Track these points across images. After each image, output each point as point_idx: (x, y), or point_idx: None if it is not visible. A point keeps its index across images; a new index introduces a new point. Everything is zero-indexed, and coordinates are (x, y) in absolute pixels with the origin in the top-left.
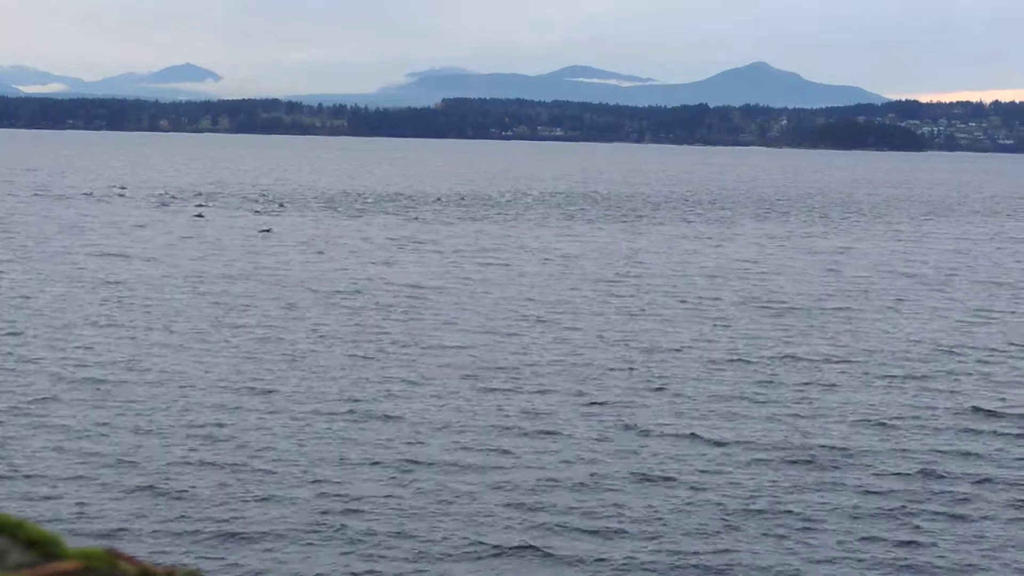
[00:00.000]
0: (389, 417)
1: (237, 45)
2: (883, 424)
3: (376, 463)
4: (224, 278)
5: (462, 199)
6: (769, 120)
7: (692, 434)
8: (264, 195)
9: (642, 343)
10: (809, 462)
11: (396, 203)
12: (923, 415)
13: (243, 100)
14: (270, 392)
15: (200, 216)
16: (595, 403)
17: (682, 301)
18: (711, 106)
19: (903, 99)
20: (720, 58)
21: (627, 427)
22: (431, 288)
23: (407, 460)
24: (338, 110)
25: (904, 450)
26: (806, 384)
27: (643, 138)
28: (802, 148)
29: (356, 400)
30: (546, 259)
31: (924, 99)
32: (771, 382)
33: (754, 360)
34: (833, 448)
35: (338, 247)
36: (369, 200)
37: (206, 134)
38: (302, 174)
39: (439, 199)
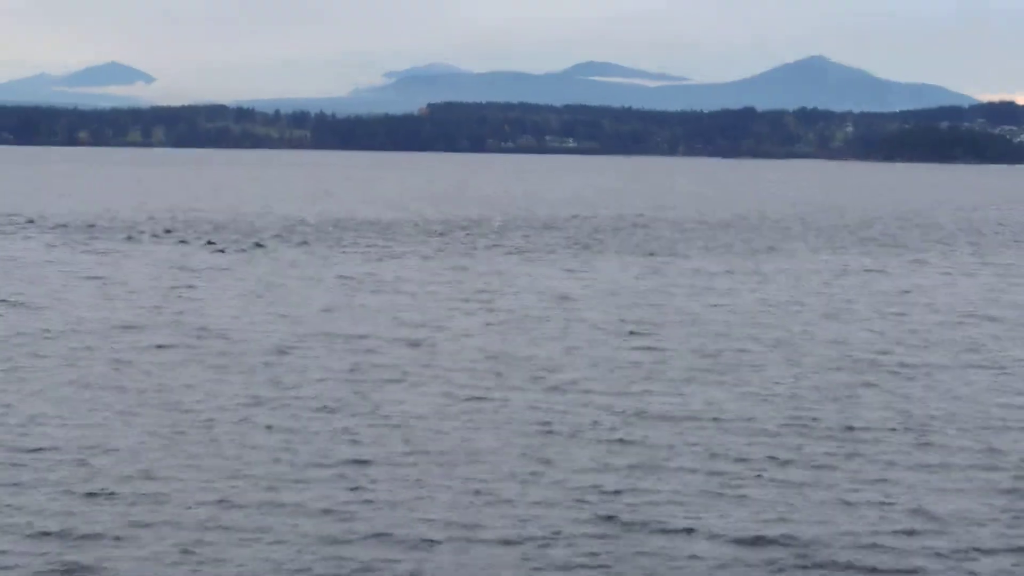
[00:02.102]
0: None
1: (174, 39)
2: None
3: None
4: (127, 329)
5: (446, 227)
6: (831, 127)
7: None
8: (190, 225)
9: (654, 410)
10: None
11: (359, 233)
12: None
13: (182, 107)
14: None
15: (112, 252)
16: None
17: (707, 356)
18: (759, 110)
19: (996, 100)
20: (770, 52)
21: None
22: (386, 341)
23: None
24: (299, 118)
25: None
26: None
27: (676, 150)
28: (872, 161)
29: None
30: (539, 303)
31: (1023, 101)
32: (831, 466)
33: (806, 429)
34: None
35: (277, 290)
36: (327, 230)
37: (136, 148)
38: (248, 197)
39: (416, 225)
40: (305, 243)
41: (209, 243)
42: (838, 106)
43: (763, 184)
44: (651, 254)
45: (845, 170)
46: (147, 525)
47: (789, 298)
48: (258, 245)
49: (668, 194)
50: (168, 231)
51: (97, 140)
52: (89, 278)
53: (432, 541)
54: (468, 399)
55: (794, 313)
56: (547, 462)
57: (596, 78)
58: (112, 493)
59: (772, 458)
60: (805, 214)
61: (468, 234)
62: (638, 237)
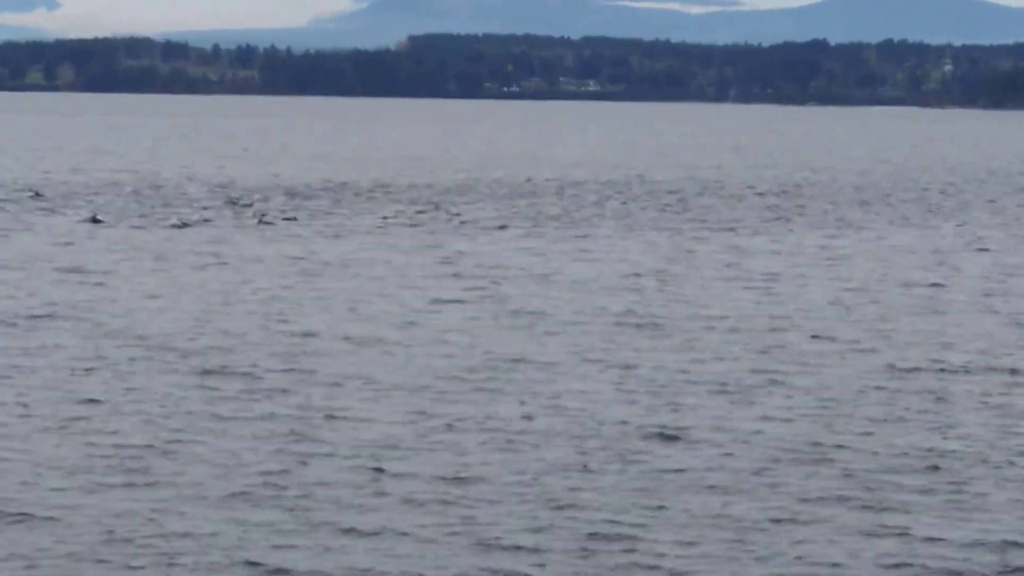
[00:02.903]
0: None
1: None
2: None
3: None
4: (9, 326)
5: (427, 194)
6: (924, 64)
7: None
8: (95, 191)
9: (687, 431)
10: None
11: (315, 201)
12: None
13: (94, 40)
14: None
15: None
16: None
17: (763, 352)
18: (832, 43)
19: None
20: None
21: None
22: (341, 340)
23: None
24: (244, 54)
25: None
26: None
27: (726, 94)
28: (977, 108)
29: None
30: (538, 291)
31: None
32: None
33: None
34: None
35: (203, 275)
36: (273, 198)
37: (37, 93)
38: (168, 156)
39: (387, 191)
40: (241, 216)
41: (96, 220)
42: (934, 37)
43: (836, 138)
44: (678, 230)
45: (943, 119)
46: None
47: (864, 286)
48: (182, 224)
49: (711, 151)
50: (70, 195)
51: None
52: None
53: None
54: (445, 417)
55: (870, 304)
56: (552, 502)
57: (623, 3)
58: None
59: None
60: (888, 177)
61: (449, 204)
62: (667, 207)
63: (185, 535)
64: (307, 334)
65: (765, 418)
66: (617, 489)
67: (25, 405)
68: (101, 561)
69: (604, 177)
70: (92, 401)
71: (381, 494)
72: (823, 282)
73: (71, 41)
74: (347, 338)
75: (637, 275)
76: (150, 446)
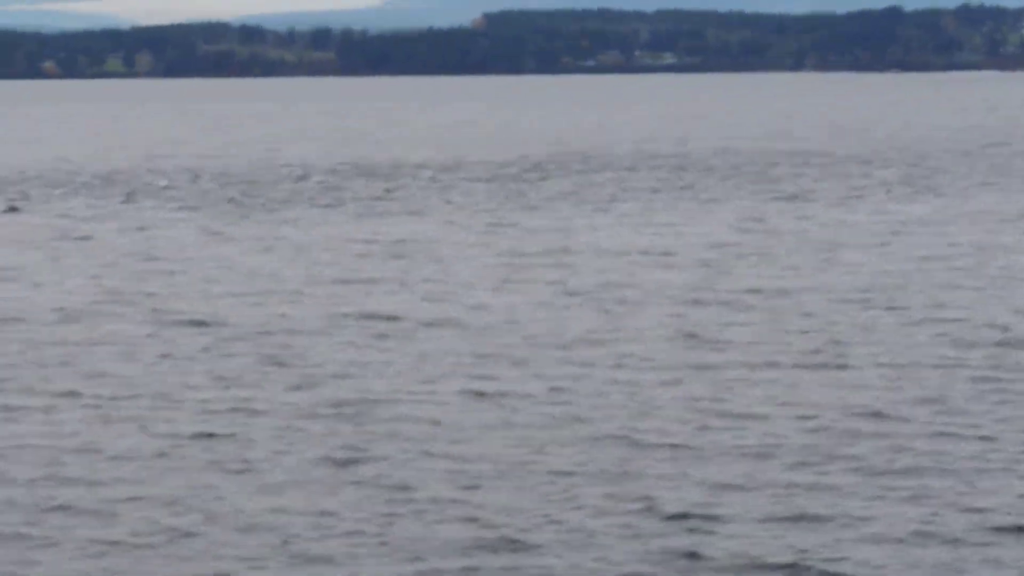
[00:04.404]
0: None
1: None
2: None
3: None
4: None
5: (500, 170)
6: (1002, 27)
7: None
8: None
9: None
10: None
11: (389, 180)
12: None
13: (171, 26)
14: None
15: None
16: None
17: (836, 342)
18: (907, 9)
19: None
20: None
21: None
22: (409, 320)
23: None
24: (320, 36)
25: None
26: None
27: (803, 63)
28: None
29: None
30: (614, 266)
31: None
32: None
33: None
34: None
35: (265, 258)
36: (350, 178)
37: (117, 80)
38: (245, 138)
39: (457, 169)
40: (312, 198)
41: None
42: (1011, 1)
43: (911, 104)
44: (757, 198)
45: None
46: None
47: (939, 255)
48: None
49: (789, 120)
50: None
51: (67, 70)
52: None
53: None
54: (502, 395)
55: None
56: (609, 477)
57: None
58: None
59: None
60: (964, 141)
61: (524, 180)
62: (747, 176)
63: (257, 522)
64: (376, 316)
65: (841, 387)
66: (676, 464)
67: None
68: (174, 550)
69: (677, 149)
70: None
71: (451, 473)
72: (889, 251)
73: (148, 28)
74: (419, 319)
75: (716, 247)
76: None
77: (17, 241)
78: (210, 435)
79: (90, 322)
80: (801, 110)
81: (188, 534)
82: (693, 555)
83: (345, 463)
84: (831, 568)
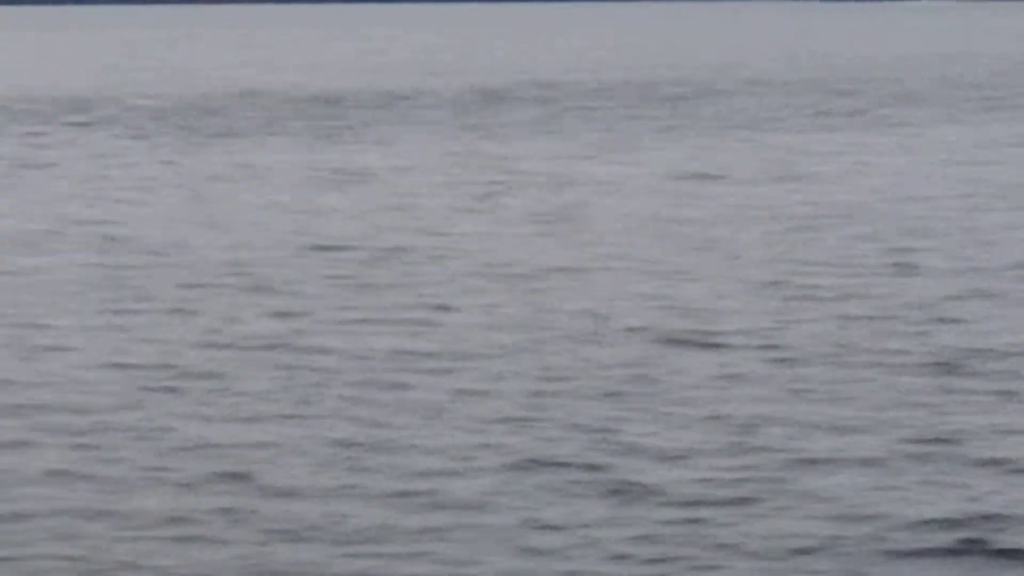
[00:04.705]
0: None
1: None
2: None
3: None
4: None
5: (458, 98)
6: None
7: None
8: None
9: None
10: None
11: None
12: None
13: None
14: None
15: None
16: None
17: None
18: None
19: None
20: None
21: None
22: (358, 250)
23: None
24: None
25: None
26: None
27: None
28: None
29: None
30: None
31: None
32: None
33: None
34: None
35: (192, 188)
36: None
37: (39, 6)
38: (209, 65)
39: (414, 96)
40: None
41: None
42: None
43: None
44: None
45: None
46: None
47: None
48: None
49: (738, 47)
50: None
51: None
52: None
53: None
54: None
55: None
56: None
57: None
58: None
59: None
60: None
61: (483, 110)
62: (705, 105)
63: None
64: (333, 245)
65: (804, 322)
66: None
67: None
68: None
69: (617, 77)
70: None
71: (403, 407)
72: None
73: None
74: (370, 248)
75: (675, 179)
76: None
77: None
78: (173, 367)
79: (44, 249)
80: (746, 36)
81: (156, 467)
82: (644, 488)
83: (302, 399)
84: (781, 502)
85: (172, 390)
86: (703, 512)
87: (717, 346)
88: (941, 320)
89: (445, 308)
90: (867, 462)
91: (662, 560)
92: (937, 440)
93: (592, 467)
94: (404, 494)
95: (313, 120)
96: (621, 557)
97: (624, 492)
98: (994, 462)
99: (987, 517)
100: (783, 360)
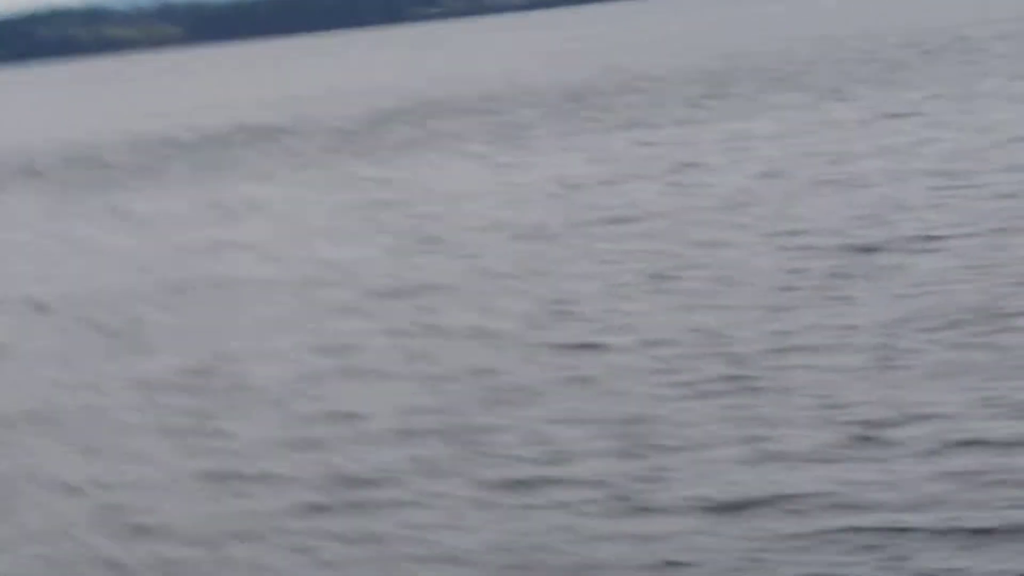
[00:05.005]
0: None
1: None
2: None
3: None
4: None
5: (344, 125)
6: None
7: None
8: None
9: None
10: None
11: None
12: None
13: (16, 18)
14: None
15: None
16: None
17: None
18: None
19: None
20: None
21: None
22: (244, 283)
23: None
24: (164, 11)
25: None
26: None
27: None
28: None
29: None
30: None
31: None
32: None
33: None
34: None
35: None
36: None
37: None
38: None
39: (297, 129)
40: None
41: None
42: None
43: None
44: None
45: None
46: None
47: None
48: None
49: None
50: None
51: None
52: None
53: None
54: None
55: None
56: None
57: None
58: None
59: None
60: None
61: (369, 133)
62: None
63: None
64: (218, 280)
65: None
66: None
67: None
68: None
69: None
70: None
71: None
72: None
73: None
74: (255, 280)
75: (556, 181)
76: None
77: None
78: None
79: None
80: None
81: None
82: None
83: (189, 430)
84: (664, 493)
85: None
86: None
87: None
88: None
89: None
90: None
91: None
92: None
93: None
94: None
95: (192, 160)
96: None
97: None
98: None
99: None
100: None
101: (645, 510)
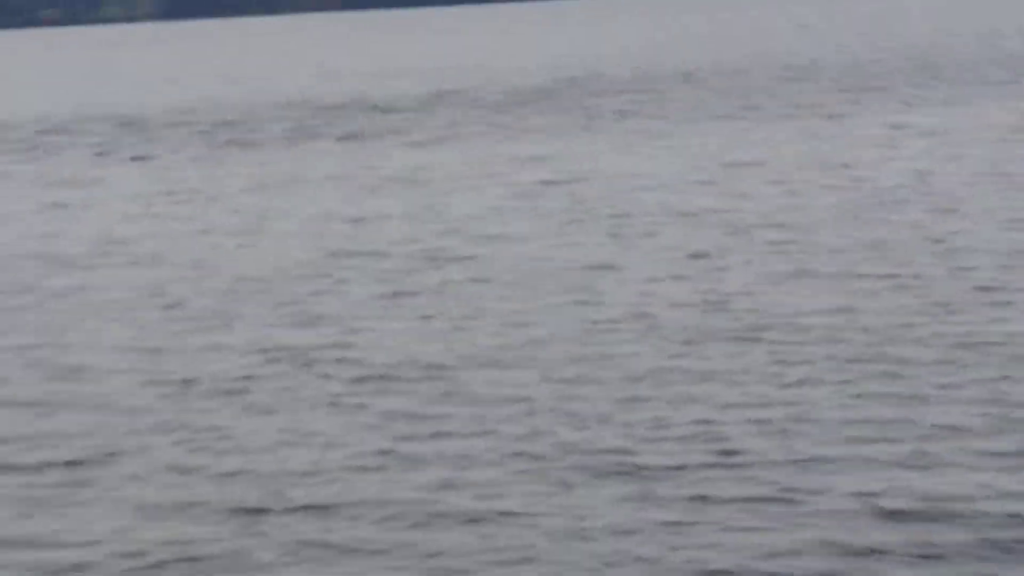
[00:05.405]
0: None
1: None
2: None
3: None
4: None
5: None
6: None
7: None
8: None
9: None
10: None
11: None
12: None
13: None
14: None
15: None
16: None
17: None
18: None
19: None
20: None
21: None
22: (409, 255)
23: None
24: None
25: None
26: None
27: None
28: None
29: None
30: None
31: None
32: None
33: None
34: None
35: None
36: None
37: (117, 25)
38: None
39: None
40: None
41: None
42: None
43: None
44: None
45: None
46: None
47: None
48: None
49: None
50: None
51: (67, 17)
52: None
53: None
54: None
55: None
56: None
57: None
58: None
59: None
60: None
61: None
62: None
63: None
64: (379, 252)
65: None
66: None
67: None
68: None
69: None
70: None
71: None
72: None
73: None
74: (420, 253)
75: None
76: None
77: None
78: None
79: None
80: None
81: (222, 473)
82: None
83: (346, 409)
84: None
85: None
86: None
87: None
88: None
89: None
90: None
91: None
92: None
93: None
94: None
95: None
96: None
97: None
98: None
99: None
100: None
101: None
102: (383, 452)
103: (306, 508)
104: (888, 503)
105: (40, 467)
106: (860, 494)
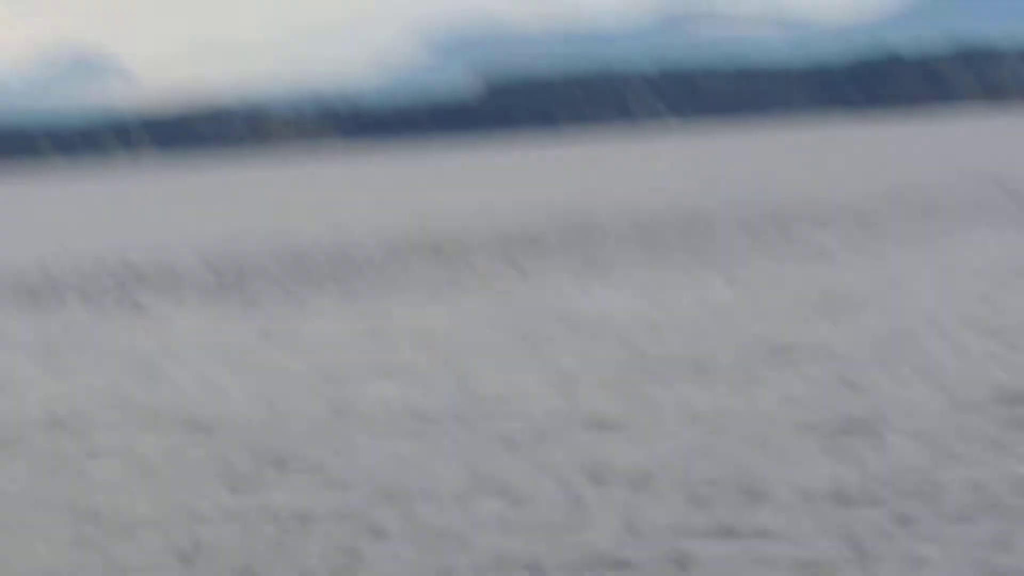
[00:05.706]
0: None
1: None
2: None
3: None
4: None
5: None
6: (989, 63)
7: None
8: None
9: None
10: None
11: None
12: None
13: (176, 116)
14: None
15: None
16: None
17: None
18: (904, 56)
19: None
20: None
21: None
22: (396, 413)
23: None
24: (322, 110)
25: None
26: None
27: (792, 104)
28: None
29: None
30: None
31: None
32: None
33: None
34: None
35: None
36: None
37: (123, 168)
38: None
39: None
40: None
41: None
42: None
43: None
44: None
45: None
46: None
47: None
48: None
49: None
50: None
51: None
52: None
53: None
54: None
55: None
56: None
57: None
58: None
59: None
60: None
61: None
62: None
63: None
64: (384, 407)
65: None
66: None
67: None
68: None
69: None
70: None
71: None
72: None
73: (154, 120)
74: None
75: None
76: None
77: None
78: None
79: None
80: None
81: None
82: None
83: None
84: None
85: None
86: None
87: None
88: None
89: None
90: None
91: None
92: None
93: None
94: None
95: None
96: None
97: None
98: None
99: None
100: None
101: None
102: None
103: None
104: None
105: None
106: None
